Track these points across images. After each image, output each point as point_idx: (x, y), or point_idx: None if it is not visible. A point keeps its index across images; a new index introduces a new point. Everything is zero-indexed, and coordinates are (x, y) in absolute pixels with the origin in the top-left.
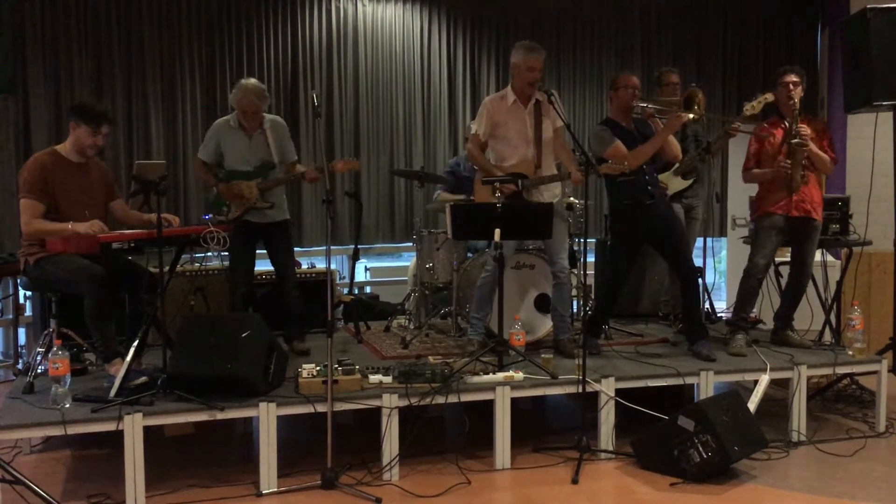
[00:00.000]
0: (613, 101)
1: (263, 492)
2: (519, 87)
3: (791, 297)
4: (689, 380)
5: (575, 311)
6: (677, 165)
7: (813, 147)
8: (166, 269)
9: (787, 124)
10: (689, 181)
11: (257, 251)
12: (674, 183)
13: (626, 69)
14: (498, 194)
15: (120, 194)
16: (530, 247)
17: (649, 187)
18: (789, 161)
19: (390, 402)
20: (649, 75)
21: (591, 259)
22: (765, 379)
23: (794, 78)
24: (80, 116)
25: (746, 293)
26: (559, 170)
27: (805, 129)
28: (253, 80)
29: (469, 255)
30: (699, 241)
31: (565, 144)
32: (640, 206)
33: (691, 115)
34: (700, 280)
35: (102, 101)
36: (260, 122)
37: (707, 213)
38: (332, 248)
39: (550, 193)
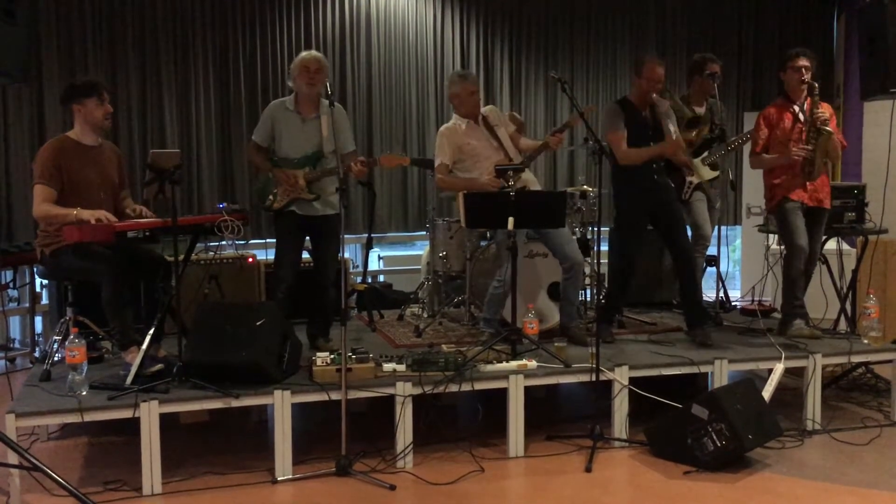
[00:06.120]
0: (634, 85)
1: (278, 478)
2: (466, 112)
3: None
4: (704, 368)
5: (588, 299)
6: (706, 154)
7: (837, 134)
8: (181, 257)
9: (796, 108)
10: (717, 173)
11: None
12: (702, 171)
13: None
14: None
15: (126, 184)
16: None
17: (655, 175)
18: (810, 146)
19: (404, 390)
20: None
21: (604, 248)
22: (779, 367)
23: (805, 62)
24: (80, 94)
25: (792, 279)
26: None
27: (826, 115)
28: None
29: (482, 243)
30: (714, 230)
31: (524, 138)
32: (643, 189)
33: (695, 180)
34: (714, 268)
35: (116, 90)
36: (316, 107)
37: (722, 202)
38: (345, 236)
39: (532, 181)
